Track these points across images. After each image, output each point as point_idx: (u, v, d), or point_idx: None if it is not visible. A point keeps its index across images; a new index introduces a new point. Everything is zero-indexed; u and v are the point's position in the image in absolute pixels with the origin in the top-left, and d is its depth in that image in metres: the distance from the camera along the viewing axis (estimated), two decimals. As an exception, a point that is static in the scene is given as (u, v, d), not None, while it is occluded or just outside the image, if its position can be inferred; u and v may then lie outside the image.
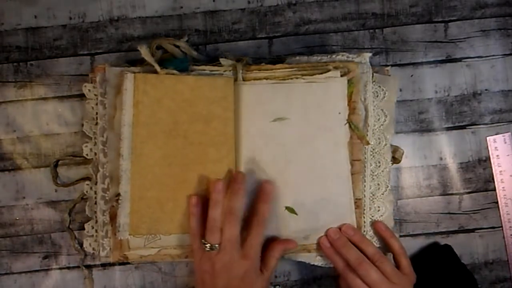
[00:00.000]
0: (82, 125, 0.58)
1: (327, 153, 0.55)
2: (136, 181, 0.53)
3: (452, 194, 0.61)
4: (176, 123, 0.54)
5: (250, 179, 0.55)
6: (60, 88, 0.60)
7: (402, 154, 0.59)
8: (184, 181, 0.54)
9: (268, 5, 0.61)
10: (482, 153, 0.61)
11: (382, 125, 0.57)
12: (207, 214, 0.51)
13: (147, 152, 0.53)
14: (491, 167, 0.61)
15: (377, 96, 0.57)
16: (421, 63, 0.61)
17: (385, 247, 0.56)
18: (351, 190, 0.55)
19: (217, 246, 0.49)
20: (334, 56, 0.57)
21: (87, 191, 0.58)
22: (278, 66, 0.56)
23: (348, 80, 0.55)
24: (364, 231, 0.56)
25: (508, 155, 0.61)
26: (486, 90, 0.61)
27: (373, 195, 0.57)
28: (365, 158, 0.56)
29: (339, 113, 0.55)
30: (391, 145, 0.58)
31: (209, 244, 0.50)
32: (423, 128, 0.61)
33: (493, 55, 0.61)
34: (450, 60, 0.61)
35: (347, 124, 0.55)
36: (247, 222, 0.52)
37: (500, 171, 0.61)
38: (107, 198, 0.55)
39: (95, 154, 0.57)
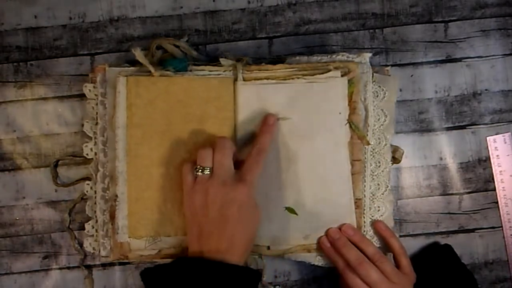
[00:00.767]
0: (82, 125, 0.58)
1: (327, 153, 0.55)
2: (132, 183, 0.54)
3: (452, 194, 0.61)
4: (170, 124, 0.54)
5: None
6: (60, 88, 0.60)
7: (402, 154, 0.59)
8: (180, 181, 0.54)
9: (268, 5, 0.61)
10: (482, 153, 0.61)
11: (382, 125, 0.57)
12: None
13: (142, 153, 0.54)
14: (491, 167, 0.61)
15: (377, 96, 0.57)
16: (421, 63, 0.61)
17: (385, 247, 0.56)
18: (351, 190, 0.55)
19: (208, 170, 0.48)
20: (334, 56, 0.57)
21: (87, 191, 0.58)
22: (278, 66, 0.56)
23: (348, 80, 0.55)
24: (364, 231, 0.56)
25: (508, 155, 0.61)
26: (486, 90, 0.61)
27: (373, 195, 0.57)
28: (365, 158, 0.56)
29: (340, 113, 0.55)
30: (391, 145, 0.58)
31: (200, 167, 0.48)
32: (423, 128, 0.61)
33: (493, 55, 0.61)
34: (450, 60, 0.61)
35: (348, 124, 0.55)
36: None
37: (500, 171, 0.61)
38: (107, 197, 0.55)
39: (95, 154, 0.57)
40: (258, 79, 0.56)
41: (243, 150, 0.54)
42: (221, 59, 0.56)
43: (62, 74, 0.60)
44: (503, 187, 0.61)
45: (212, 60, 0.59)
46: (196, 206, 0.48)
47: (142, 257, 0.54)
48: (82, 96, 0.59)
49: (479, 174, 0.61)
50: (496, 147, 0.61)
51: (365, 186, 0.56)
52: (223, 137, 0.51)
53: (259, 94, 0.55)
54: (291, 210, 0.55)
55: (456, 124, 0.61)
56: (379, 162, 0.57)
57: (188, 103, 0.54)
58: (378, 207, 0.57)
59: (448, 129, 0.61)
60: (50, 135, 0.60)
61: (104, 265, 0.60)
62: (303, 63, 0.56)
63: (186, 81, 0.55)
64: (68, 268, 0.60)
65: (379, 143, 0.57)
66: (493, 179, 0.61)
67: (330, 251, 0.54)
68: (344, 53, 0.57)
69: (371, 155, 0.57)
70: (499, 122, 0.61)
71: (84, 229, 0.58)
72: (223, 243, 0.47)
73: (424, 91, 0.61)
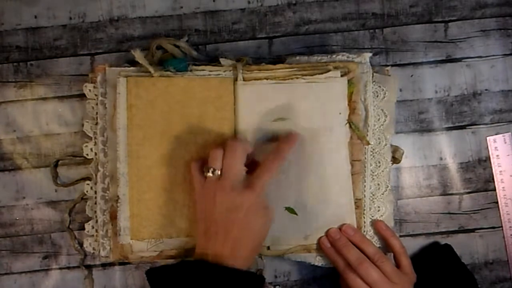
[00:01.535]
0: (82, 125, 0.58)
1: (327, 153, 0.55)
2: (134, 184, 0.53)
3: (452, 194, 0.61)
4: (170, 124, 0.54)
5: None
6: (60, 88, 0.60)
7: (402, 154, 0.59)
8: (182, 182, 0.54)
9: (268, 5, 0.61)
10: (482, 153, 0.61)
11: (382, 125, 0.57)
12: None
13: (143, 154, 0.54)
14: (491, 167, 0.61)
15: (377, 96, 0.57)
16: (421, 63, 0.61)
17: (386, 247, 0.56)
18: (351, 190, 0.55)
19: (218, 172, 0.48)
20: (334, 56, 0.57)
21: (87, 191, 0.58)
22: (278, 66, 0.56)
23: (348, 80, 0.55)
24: (364, 231, 0.56)
25: (508, 155, 0.61)
26: (486, 90, 0.61)
27: (373, 195, 0.57)
28: (365, 158, 0.56)
29: (340, 113, 0.55)
30: (391, 145, 0.58)
31: (211, 168, 0.48)
32: (423, 128, 0.61)
33: (493, 55, 0.61)
34: (450, 60, 0.61)
35: (347, 124, 0.55)
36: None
37: (500, 171, 0.61)
38: (107, 197, 0.55)
39: (95, 154, 0.57)
40: (258, 79, 0.56)
41: (262, 151, 0.53)
42: (221, 59, 0.56)
43: (62, 74, 0.60)
44: (503, 187, 0.61)
45: (212, 60, 0.59)
46: (204, 205, 0.49)
47: (143, 258, 0.54)
48: (82, 96, 0.59)
49: (479, 174, 0.61)
50: (496, 147, 0.61)
51: (365, 186, 0.56)
52: (235, 139, 0.51)
53: (259, 94, 0.55)
54: (291, 210, 0.55)
55: (456, 124, 0.61)
56: (379, 162, 0.57)
57: (188, 103, 0.54)
58: (378, 207, 0.57)
59: (448, 129, 0.61)
60: (50, 135, 0.60)
61: (104, 265, 0.60)
62: (303, 63, 0.56)
63: (186, 81, 0.55)
64: (68, 268, 0.60)
65: (379, 143, 0.57)
66: (493, 179, 0.61)
67: (330, 251, 0.54)
68: (344, 53, 0.57)
69: (371, 155, 0.57)
70: (499, 122, 0.61)
71: (84, 229, 0.58)
72: (228, 246, 0.47)
73: (424, 91, 0.61)
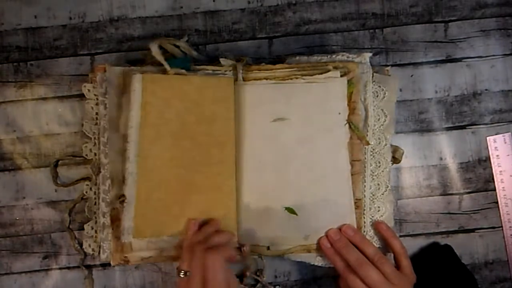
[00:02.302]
0: (82, 125, 0.58)
1: (327, 154, 0.55)
2: (142, 184, 0.52)
3: (452, 194, 0.61)
4: (184, 124, 0.53)
5: (250, 179, 0.55)
6: (60, 88, 0.60)
7: (402, 154, 0.59)
8: (190, 183, 0.53)
9: (268, 5, 0.61)
10: (482, 153, 0.61)
11: (382, 125, 0.57)
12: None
13: (154, 154, 0.53)
14: (491, 167, 0.61)
15: (377, 96, 0.57)
16: (421, 63, 0.61)
17: (386, 247, 0.56)
18: (351, 190, 0.55)
19: (189, 273, 0.48)
20: (334, 56, 0.57)
21: (86, 192, 0.58)
22: (278, 66, 0.56)
23: (348, 80, 0.55)
24: (364, 231, 0.56)
25: (508, 155, 0.61)
26: (486, 90, 0.61)
27: (373, 195, 0.57)
28: (365, 158, 0.56)
29: (339, 113, 0.55)
30: (391, 145, 0.58)
31: (182, 270, 0.48)
32: (423, 128, 0.61)
33: (493, 55, 0.61)
34: (450, 60, 0.61)
35: (347, 125, 0.55)
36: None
37: (500, 171, 0.61)
38: (108, 200, 0.55)
39: (95, 154, 0.57)
40: (258, 79, 0.56)
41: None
42: (221, 59, 0.56)
43: (62, 74, 0.60)
44: (503, 187, 0.60)
45: (212, 60, 0.59)
46: None
47: (143, 260, 0.54)
48: (82, 96, 0.59)
49: (479, 174, 0.61)
50: (496, 147, 0.61)
51: (365, 186, 0.56)
52: (213, 250, 0.49)
53: (258, 94, 0.55)
54: (290, 211, 0.55)
55: (456, 124, 0.61)
56: (379, 162, 0.57)
57: (201, 103, 0.54)
58: (378, 207, 0.57)
59: (448, 129, 0.61)
60: (50, 135, 0.60)
61: (104, 265, 0.60)
62: (302, 63, 0.56)
63: (199, 80, 0.54)
64: (68, 268, 0.60)
65: (379, 143, 0.57)
66: (493, 179, 0.61)
67: (330, 251, 0.54)
68: (344, 53, 0.57)
69: (371, 155, 0.57)
70: (499, 122, 0.61)
71: (84, 229, 0.58)
72: None
73: (424, 91, 0.61)
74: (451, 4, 0.61)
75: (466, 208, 0.61)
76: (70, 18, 0.61)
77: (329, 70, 0.55)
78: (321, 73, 0.55)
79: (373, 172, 0.57)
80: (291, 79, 0.55)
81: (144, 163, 0.53)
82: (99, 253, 0.56)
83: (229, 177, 0.54)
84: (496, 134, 0.61)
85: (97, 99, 0.56)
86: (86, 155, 0.58)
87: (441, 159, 0.61)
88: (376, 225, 0.56)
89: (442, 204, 0.61)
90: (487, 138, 0.61)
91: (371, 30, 0.61)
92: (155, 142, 0.53)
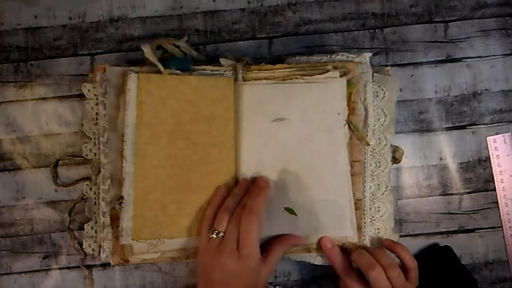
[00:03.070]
0: (82, 125, 0.58)
1: (326, 154, 0.55)
2: (139, 184, 0.53)
3: (452, 194, 0.61)
4: (179, 124, 0.53)
5: (249, 179, 0.55)
6: (60, 88, 0.60)
7: (402, 154, 0.59)
8: (187, 182, 0.53)
9: (268, 5, 0.61)
10: (482, 153, 0.61)
11: (382, 125, 0.57)
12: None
13: (150, 154, 0.53)
14: (491, 167, 0.61)
15: (377, 96, 0.57)
16: (421, 63, 0.61)
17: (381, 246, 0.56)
18: (351, 191, 0.55)
19: (221, 235, 0.49)
20: (334, 56, 0.57)
21: (86, 192, 0.58)
22: (278, 66, 0.56)
23: (348, 81, 0.55)
24: (364, 231, 0.56)
25: (508, 155, 0.61)
26: (486, 90, 0.61)
27: (373, 195, 0.57)
28: (365, 158, 0.56)
29: (339, 113, 0.55)
30: (391, 145, 0.58)
31: (216, 230, 0.49)
32: (423, 128, 0.61)
33: (493, 55, 0.61)
34: (450, 60, 0.61)
35: (347, 125, 0.55)
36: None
37: (500, 171, 0.61)
38: (108, 199, 0.55)
39: (95, 154, 0.57)
40: (257, 79, 0.56)
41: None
42: (221, 59, 0.56)
43: (62, 74, 0.60)
44: (503, 187, 0.60)
45: (212, 60, 0.59)
46: (202, 267, 0.50)
47: (143, 260, 0.54)
48: (82, 96, 0.59)
49: (479, 174, 0.61)
50: (496, 147, 0.61)
51: (365, 186, 0.56)
52: (251, 211, 0.50)
53: (258, 94, 0.55)
54: (290, 211, 0.54)
55: (456, 124, 0.61)
56: (379, 162, 0.57)
57: (197, 102, 0.54)
58: (378, 207, 0.57)
59: (448, 129, 0.61)
60: (50, 135, 0.60)
61: (104, 265, 0.60)
62: (302, 63, 0.56)
63: (196, 80, 0.54)
64: (68, 268, 0.60)
65: (379, 143, 0.57)
66: (493, 179, 0.61)
67: (331, 252, 0.54)
68: (344, 53, 0.57)
69: (371, 155, 0.57)
70: (499, 122, 0.61)
71: (84, 229, 0.58)
72: None
73: (424, 91, 0.61)
74: (451, 4, 0.61)
75: (466, 208, 0.61)
76: (70, 18, 0.61)
77: (328, 70, 0.55)
78: (321, 73, 0.55)
79: (373, 172, 0.57)
80: (290, 79, 0.55)
81: (141, 162, 0.53)
82: (99, 253, 0.56)
83: (227, 176, 0.54)
84: (496, 134, 0.61)
85: (97, 99, 0.56)
86: (86, 155, 0.58)
87: (441, 159, 0.61)
88: (383, 244, 0.55)
89: (442, 204, 0.61)
90: (487, 138, 0.61)
91: (371, 30, 0.61)
92: (151, 142, 0.53)
